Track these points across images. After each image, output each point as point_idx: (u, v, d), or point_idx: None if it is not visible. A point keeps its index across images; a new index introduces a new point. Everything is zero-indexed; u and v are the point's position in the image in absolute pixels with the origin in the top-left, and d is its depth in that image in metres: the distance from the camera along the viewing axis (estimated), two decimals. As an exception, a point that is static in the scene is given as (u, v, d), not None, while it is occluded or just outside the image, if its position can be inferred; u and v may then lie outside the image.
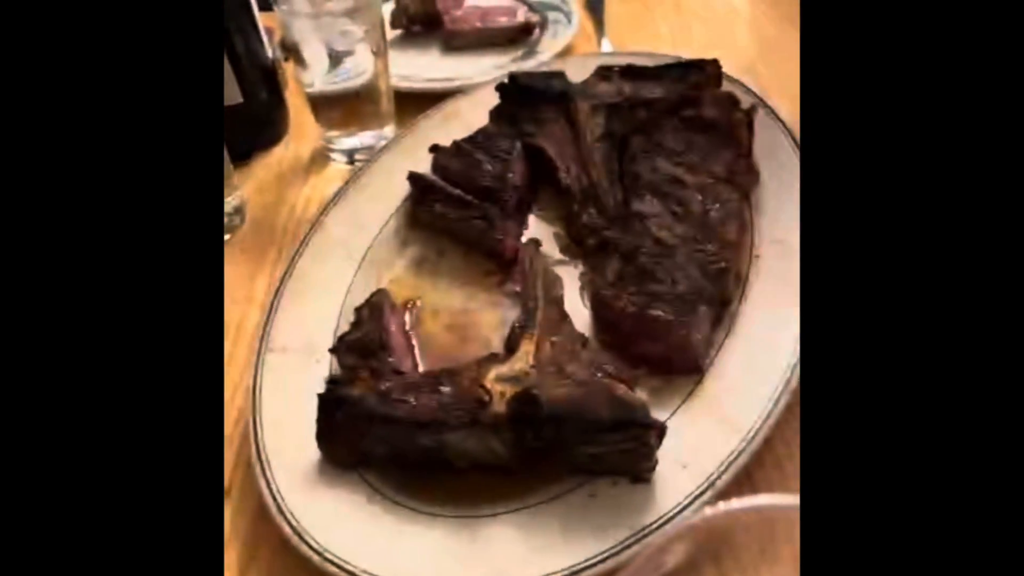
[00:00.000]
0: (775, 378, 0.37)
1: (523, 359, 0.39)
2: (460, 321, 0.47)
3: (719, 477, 0.35)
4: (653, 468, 0.36)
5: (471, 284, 0.48)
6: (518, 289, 0.46)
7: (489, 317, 0.46)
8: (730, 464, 0.35)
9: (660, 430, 0.35)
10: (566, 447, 0.36)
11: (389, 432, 0.38)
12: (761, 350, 0.39)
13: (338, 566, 0.35)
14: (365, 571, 0.35)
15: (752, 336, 0.40)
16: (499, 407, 0.37)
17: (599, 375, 0.38)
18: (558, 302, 0.43)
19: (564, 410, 0.35)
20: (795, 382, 0.37)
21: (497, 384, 0.38)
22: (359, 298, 0.46)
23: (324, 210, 0.53)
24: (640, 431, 0.35)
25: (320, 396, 0.39)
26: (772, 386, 0.37)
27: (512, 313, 0.45)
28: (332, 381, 0.41)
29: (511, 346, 0.40)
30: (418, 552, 0.36)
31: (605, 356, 0.41)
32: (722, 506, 0.24)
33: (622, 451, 0.35)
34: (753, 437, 0.36)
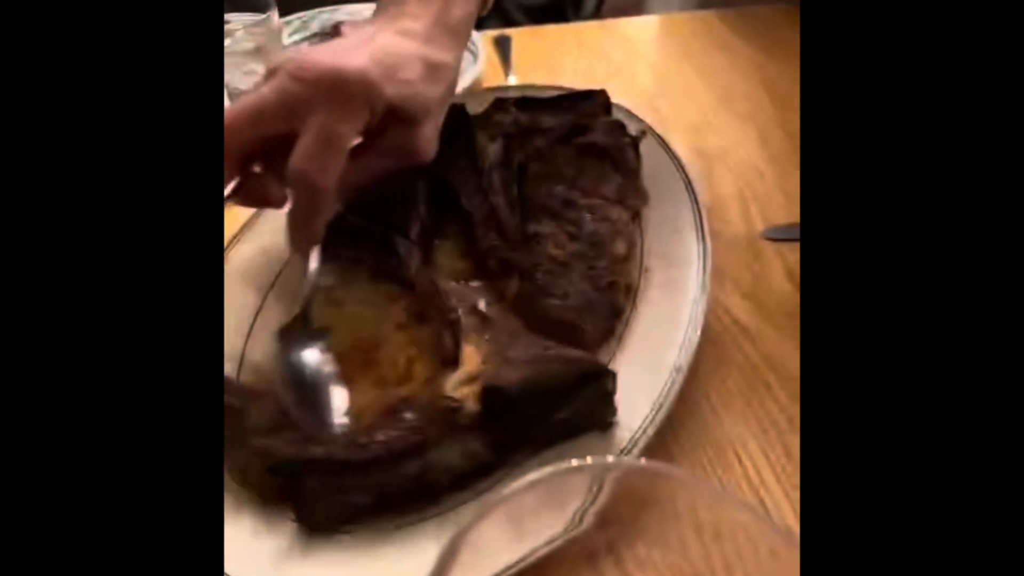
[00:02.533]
0: (660, 382, 0.39)
1: (470, 362, 0.41)
2: (369, 345, 0.47)
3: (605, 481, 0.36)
4: (616, 412, 0.38)
5: (378, 309, 0.49)
6: (426, 311, 0.48)
7: (397, 339, 0.47)
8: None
9: (614, 376, 0.38)
10: (539, 421, 0.38)
11: (370, 476, 0.38)
12: (649, 355, 0.41)
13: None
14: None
15: (641, 342, 0.42)
16: (471, 407, 0.38)
17: (543, 350, 0.40)
18: (475, 308, 0.45)
19: (531, 386, 0.37)
20: (680, 385, 0.39)
21: (459, 390, 0.39)
22: (267, 328, 0.47)
23: (230, 245, 0.53)
24: (601, 380, 0.38)
25: (278, 468, 0.38)
26: (658, 390, 0.39)
27: (420, 335, 0.46)
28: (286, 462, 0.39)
29: (453, 357, 0.41)
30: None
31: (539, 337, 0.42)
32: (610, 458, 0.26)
33: (589, 404, 0.38)
34: (638, 439, 0.37)
